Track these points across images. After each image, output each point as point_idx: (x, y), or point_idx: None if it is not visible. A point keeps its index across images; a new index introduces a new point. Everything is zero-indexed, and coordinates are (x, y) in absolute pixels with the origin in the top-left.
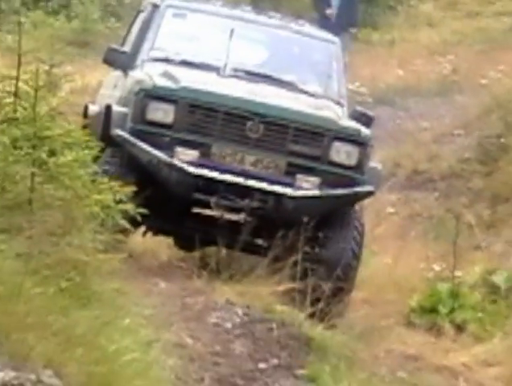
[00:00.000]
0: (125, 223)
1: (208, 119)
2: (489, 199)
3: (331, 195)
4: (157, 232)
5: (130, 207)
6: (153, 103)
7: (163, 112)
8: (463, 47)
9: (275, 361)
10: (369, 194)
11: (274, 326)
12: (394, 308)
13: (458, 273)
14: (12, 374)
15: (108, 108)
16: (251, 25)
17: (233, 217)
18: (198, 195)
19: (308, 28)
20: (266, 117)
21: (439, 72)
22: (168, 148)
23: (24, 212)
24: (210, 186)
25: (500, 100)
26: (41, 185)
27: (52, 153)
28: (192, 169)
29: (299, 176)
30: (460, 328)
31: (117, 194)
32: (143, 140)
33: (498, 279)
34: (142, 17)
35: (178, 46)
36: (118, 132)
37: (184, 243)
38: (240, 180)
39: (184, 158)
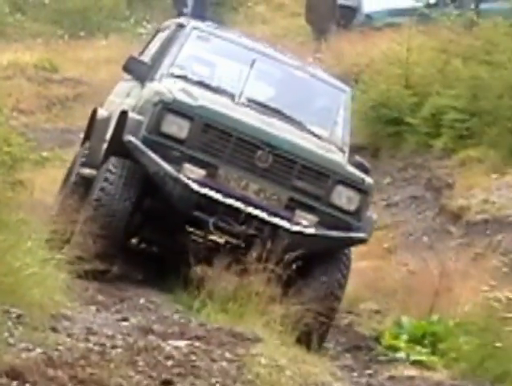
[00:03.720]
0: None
1: (220, 141)
2: None
3: (325, 236)
4: (149, 243)
5: (34, 155)
6: (170, 116)
7: (177, 127)
8: (288, 40)
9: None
10: (362, 241)
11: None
12: None
13: None
14: None
15: (123, 113)
16: (270, 60)
17: (231, 240)
18: (198, 213)
19: (322, 73)
20: (277, 149)
21: None
22: (177, 163)
23: None
24: (211, 206)
25: None
26: None
27: None
28: (196, 186)
29: (298, 212)
30: None
31: (22, 147)
32: (154, 151)
33: None
34: (162, 36)
35: (197, 66)
36: (131, 138)
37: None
38: (241, 206)
39: (190, 174)
